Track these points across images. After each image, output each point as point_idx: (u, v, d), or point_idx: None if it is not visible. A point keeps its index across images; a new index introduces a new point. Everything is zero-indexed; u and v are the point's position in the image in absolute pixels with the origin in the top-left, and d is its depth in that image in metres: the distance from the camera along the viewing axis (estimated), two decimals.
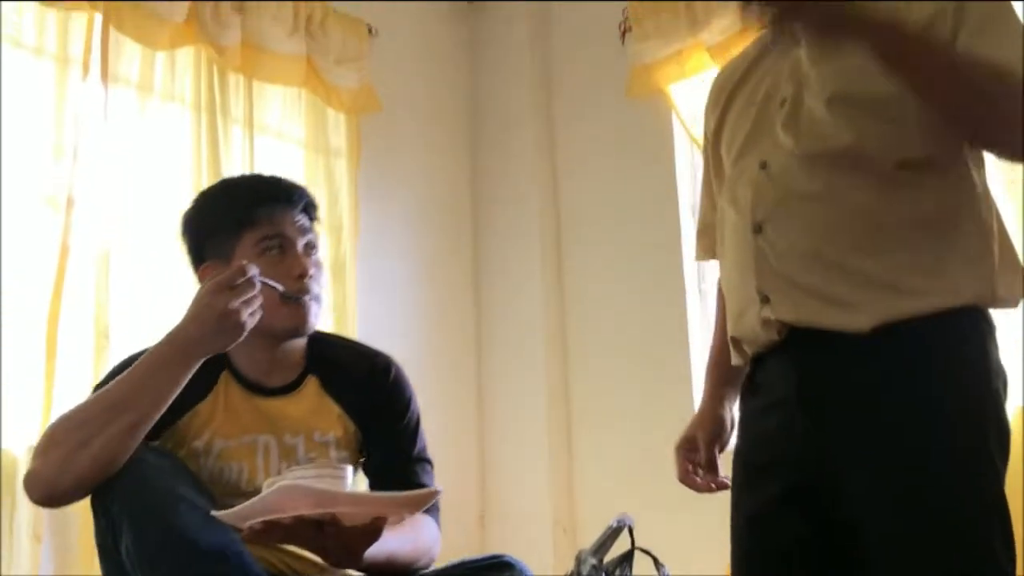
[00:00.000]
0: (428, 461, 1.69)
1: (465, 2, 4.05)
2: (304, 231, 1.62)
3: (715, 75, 1.68)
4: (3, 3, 2.61)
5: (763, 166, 1.41)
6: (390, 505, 1.33)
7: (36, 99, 2.65)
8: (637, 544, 2.04)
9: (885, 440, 1.29)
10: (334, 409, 1.63)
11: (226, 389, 1.59)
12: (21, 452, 2.38)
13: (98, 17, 2.77)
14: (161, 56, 2.93)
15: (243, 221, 1.58)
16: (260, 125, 3.16)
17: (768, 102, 1.46)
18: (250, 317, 1.42)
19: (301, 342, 1.65)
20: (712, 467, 1.59)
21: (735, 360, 1.52)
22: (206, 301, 1.40)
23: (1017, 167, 2.36)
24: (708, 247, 1.65)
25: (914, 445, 1.28)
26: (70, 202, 2.58)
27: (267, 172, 1.79)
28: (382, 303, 3.42)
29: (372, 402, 1.65)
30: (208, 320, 1.39)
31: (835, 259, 1.34)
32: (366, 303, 3.30)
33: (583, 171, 3.68)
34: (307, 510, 1.21)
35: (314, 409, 1.62)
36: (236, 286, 1.39)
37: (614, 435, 3.38)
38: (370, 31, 3.52)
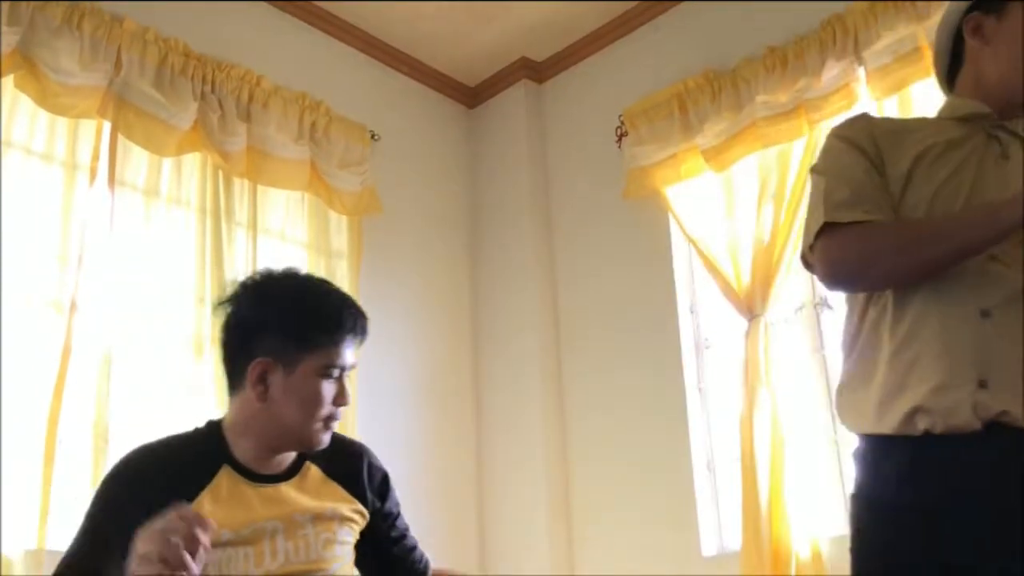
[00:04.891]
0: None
1: (464, 107, 4.16)
2: (354, 361, 1.67)
3: (886, 119, 1.75)
4: (15, 112, 2.68)
5: (992, 258, 1.42)
6: None
7: (44, 204, 2.69)
8: None
9: None
10: (339, 491, 1.69)
11: (228, 481, 1.60)
12: (17, 556, 2.35)
13: (107, 125, 2.83)
14: (168, 162, 2.98)
15: (319, 343, 1.60)
16: (263, 228, 3.20)
17: (980, 192, 1.49)
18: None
19: None
20: None
21: (894, 426, 1.43)
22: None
23: None
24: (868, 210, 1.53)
25: None
26: (73, 305, 2.60)
27: (340, 289, 1.72)
28: (382, 404, 3.41)
29: (371, 487, 1.74)
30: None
31: None
32: (366, 404, 3.29)
33: (581, 271, 3.72)
34: None
35: (320, 490, 1.67)
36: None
37: (614, 535, 3.34)
38: (372, 136, 3.60)
